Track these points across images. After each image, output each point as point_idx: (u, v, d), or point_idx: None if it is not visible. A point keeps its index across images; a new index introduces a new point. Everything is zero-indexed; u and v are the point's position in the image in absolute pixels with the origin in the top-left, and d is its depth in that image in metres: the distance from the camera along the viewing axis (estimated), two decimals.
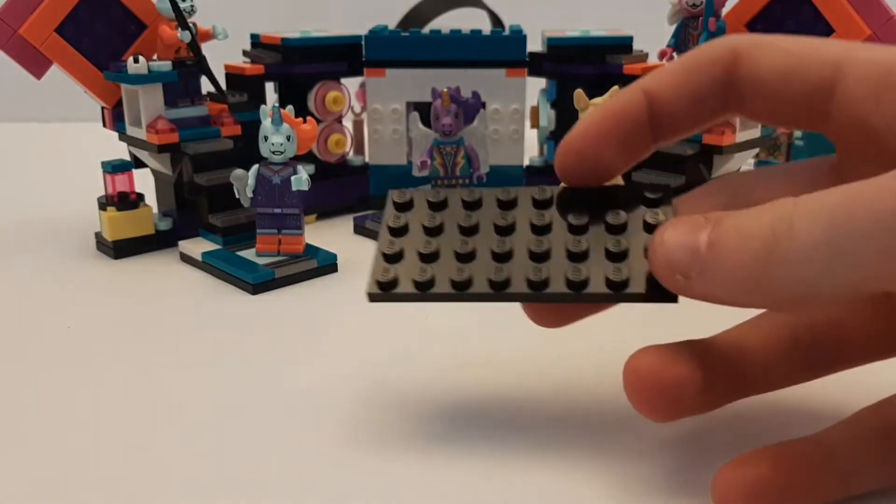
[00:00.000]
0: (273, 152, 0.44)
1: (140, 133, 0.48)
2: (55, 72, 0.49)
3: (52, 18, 0.47)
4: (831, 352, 0.27)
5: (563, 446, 0.28)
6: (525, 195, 0.27)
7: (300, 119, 0.45)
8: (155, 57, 0.49)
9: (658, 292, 0.24)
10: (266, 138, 0.45)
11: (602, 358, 0.34)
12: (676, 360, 0.24)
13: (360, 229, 0.53)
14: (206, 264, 0.46)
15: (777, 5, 0.47)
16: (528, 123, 0.58)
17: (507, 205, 0.27)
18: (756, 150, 0.49)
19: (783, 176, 0.27)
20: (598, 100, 0.42)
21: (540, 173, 0.58)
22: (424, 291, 0.25)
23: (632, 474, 0.26)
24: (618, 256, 0.25)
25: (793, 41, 0.24)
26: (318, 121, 0.55)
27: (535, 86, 0.58)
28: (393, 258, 0.26)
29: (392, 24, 0.66)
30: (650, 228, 0.25)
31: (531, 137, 0.59)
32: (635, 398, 0.24)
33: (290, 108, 0.45)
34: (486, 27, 0.63)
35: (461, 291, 0.25)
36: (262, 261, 0.45)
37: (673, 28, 0.48)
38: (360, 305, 0.40)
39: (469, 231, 0.26)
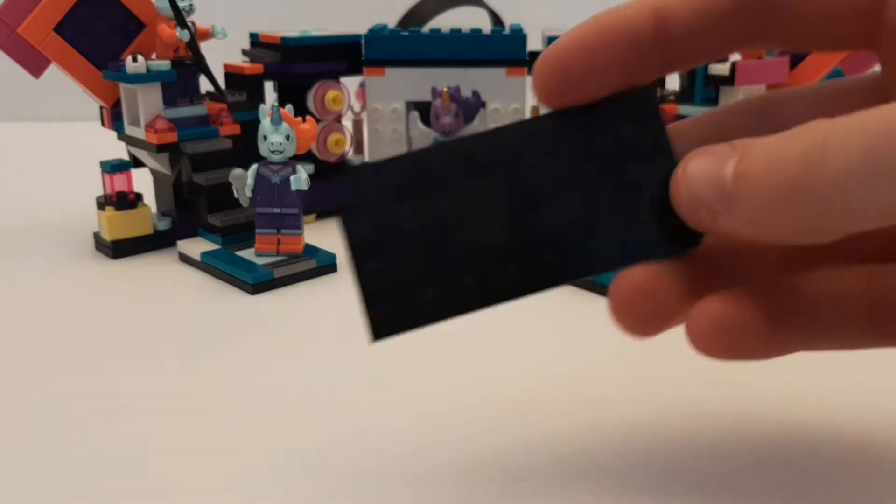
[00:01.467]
0: (272, 152, 0.44)
1: (139, 132, 0.48)
2: (54, 71, 0.49)
3: (50, 17, 0.47)
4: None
5: (567, 446, 0.28)
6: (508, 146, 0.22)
7: (299, 118, 0.45)
8: (154, 56, 0.49)
9: (680, 235, 0.21)
10: (265, 138, 0.44)
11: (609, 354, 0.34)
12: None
13: None
14: (205, 264, 0.46)
15: None
16: None
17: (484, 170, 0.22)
18: None
19: (817, 96, 0.25)
20: None
21: None
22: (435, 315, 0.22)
23: (634, 471, 0.26)
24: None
25: None
26: (318, 120, 0.55)
27: None
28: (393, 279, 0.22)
29: (392, 23, 0.66)
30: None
31: None
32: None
33: (289, 107, 0.45)
34: (486, 26, 0.63)
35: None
36: (261, 261, 0.45)
37: None
38: (353, 303, 0.40)
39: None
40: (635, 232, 0.22)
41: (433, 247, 0.22)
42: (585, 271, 0.22)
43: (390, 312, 0.22)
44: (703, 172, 0.20)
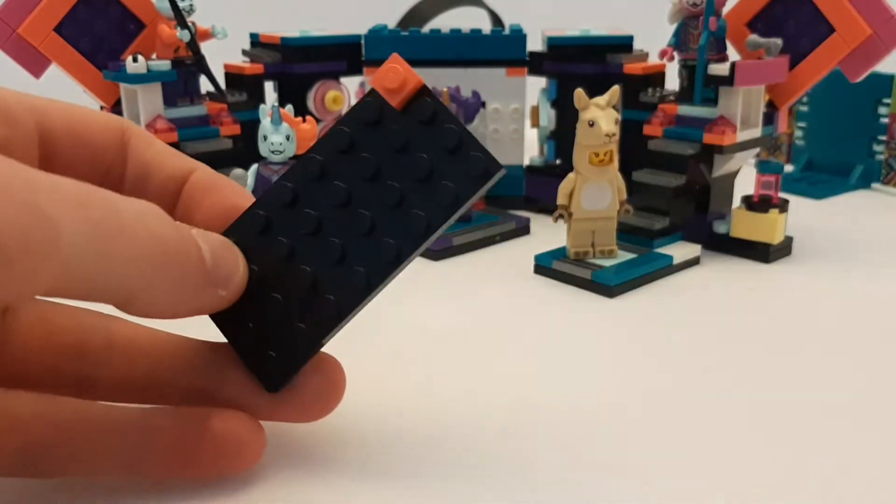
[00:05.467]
0: (272, 152, 0.44)
1: None
2: (54, 71, 0.49)
3: (50, 17, 0.47)
4: None
5: (564, 445, 0.28)
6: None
7: (299, 118, 0.45)
8: (154, 56, 0.49)
9: None
10: (265, 138, 0.44)
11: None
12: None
13: None
14: None
15: (778, 4, 0.47)
16: (528, 123, 0.58)
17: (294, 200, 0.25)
18: (757, 150, 0.49)
19: None
20: (598, 99, 0.42)
21: (540, 173, 0.58)
22: (311, 350, 0.25)
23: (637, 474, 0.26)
24: (427, 178, 0.24)
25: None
26: (318, 120, 0.55)
27: (536, 85, 0.58)
28: (255, 337, 0.25)
29: (392, 23, 0.66)
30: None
31: (531, 137, 0.59)
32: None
33: (289, 107, 0.45)
34: (486, 26, 0.63)
35: (336, 320, 0.25)
36: None
37: (674, 27, 0.47)
38: None
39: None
40: None
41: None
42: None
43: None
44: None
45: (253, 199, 0.26)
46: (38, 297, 0.19)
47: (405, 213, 0.24)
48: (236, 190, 0.27)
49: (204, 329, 0.26)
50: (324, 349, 0.26)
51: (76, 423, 0.24)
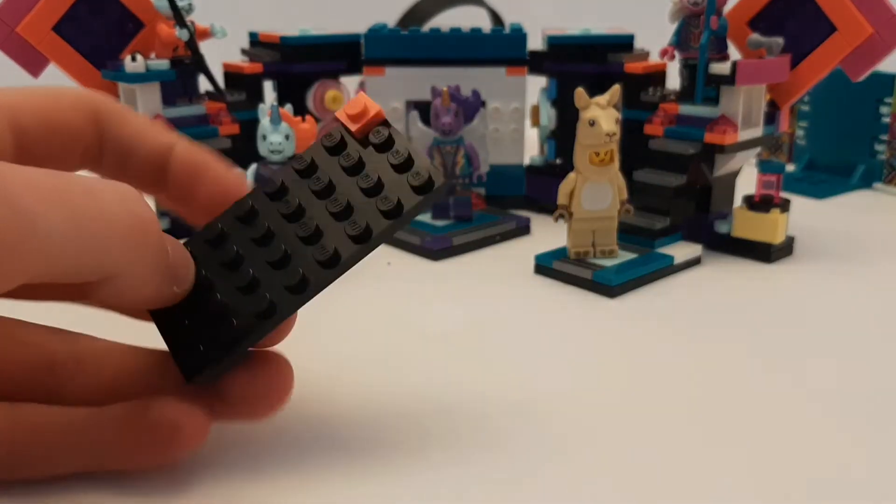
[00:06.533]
0: (271, 151, 0.44)
1: None
2: (52, 70, 0.48)
3: (49, 16, 0.47)
4: None
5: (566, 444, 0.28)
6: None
7: (299, 118, 0.45)
8: (153, 55, 0.49)
9: None
10: (264, 137, 0.44)
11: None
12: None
13: None
14: None
15: (779, 3, 0.47)
16: (528, 122, 0.58)
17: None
18: (758, 149, 0.49)
19: None
20: (599, 98, 0.42)
21: (540, 172, 0.58)
22: (237, 346, 0.25)
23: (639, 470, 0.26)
24: (373, 191, 0.26)
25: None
26: (317, 119, 0.55)
27: (536, 84, 0.58)
28: (186, 330, 0.26)
29: (391, 22, 0.66)
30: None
31: (532, 136, 0.59)
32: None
33: (288, 106, 0.45)
34: (486, 25, 0.63)
35: (269, 318, 0.25)
36: None
37: (674, 26, 0.47)
38: (353, 304, 0.40)
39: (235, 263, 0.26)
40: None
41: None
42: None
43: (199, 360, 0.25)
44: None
45: (237, 174, 0.28)
46: (19, 283, 0.20)
47: (350, 221, 0.26)
48: (220, 172, 0.28)
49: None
50: (278, 348, 0.27)
51: (37, 427, 0.25)
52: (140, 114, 0.28)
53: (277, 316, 0.25)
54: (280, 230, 0.26)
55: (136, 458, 0.25)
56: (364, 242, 0.26)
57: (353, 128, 0.27)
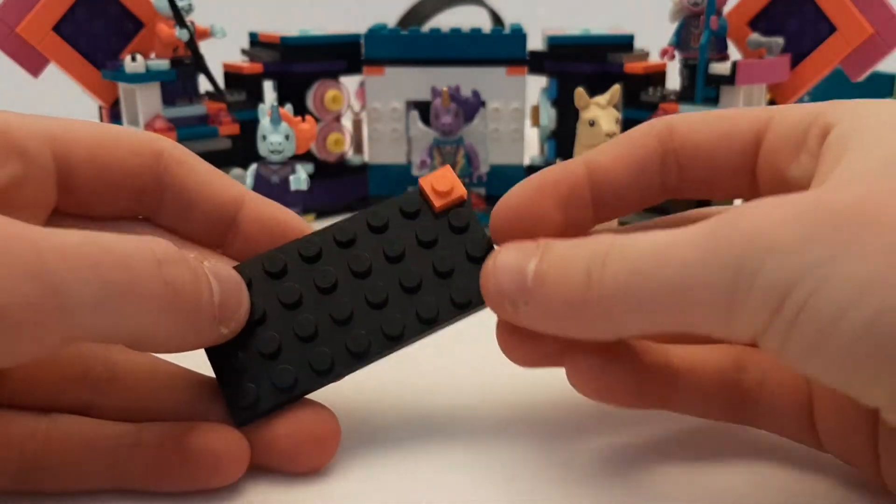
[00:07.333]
0: (271, 151, 0.44)
1: None
2: (52, 70, 0.48)
3: (49, 17, 0.47)
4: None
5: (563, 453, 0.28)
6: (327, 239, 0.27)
7: (299, 118, 0.45)
8: (153, 55, 0.49)
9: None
10: (264, 137, 0.44)
11: None
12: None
13: None
14: None
15: (779, 3, 0.47)
16: (528, 122, 0.58)
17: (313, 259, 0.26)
18: None
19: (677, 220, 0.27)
20: (598, 98, 0.42)
21: None
22: (291, 394, 0.25)
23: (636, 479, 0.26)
24: (446, 275, 0.26)
25: (721, 111, 0.26)
26: (317, 120, 0.55)
27: (536, 84, 0.58)
28: (239, 369, 0.25)
29: (391, 22, 0.66)
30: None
31: (532, 136, 0.59)
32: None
33: (288, 106, 0.45)
34: (486, 25, 0.63)
35: (327, 375, 0.25)
36: None
37: (675, 26, 0.47)
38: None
39: (297, 304, 0.26)
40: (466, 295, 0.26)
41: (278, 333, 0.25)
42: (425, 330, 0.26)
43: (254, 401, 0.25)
44: (509, 267, 0.22)
45: (309, 231, 0.27)
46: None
47: (419, 298, 0.26)
48: (300, 230, 0.27)
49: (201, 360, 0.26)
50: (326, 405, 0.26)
51: (69, 440, 0.24)
52: (207, 163, 0.27)
53: (333, 375, 0.25)
54: (346, 284, 0.26)
55: (169, 481, 0.24)
56: (429, 325, 0.26)
57: (435, 203, 0.27)
